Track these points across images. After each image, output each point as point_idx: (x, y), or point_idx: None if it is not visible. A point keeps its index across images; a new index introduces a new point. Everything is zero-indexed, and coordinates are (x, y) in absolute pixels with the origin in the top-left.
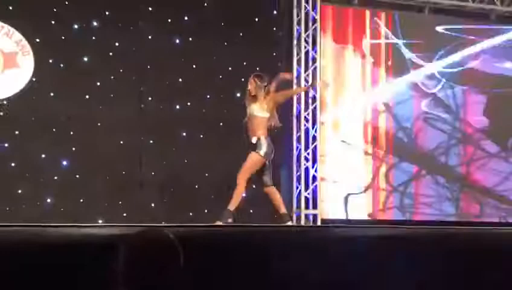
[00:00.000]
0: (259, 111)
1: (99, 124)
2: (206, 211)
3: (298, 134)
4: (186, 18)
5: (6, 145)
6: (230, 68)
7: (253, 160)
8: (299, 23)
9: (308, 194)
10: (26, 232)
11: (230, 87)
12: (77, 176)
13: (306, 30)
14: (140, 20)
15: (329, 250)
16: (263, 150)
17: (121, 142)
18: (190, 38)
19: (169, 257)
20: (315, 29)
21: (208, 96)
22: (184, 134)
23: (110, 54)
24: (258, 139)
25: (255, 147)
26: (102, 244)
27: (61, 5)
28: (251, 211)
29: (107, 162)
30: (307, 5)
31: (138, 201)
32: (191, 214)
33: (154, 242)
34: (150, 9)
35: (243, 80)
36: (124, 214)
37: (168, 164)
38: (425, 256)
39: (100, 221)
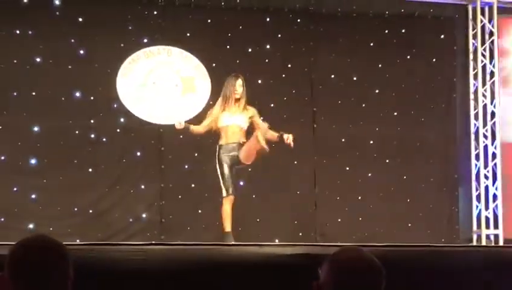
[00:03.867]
0: (244, 121)
1: (273, 144)
2: (382, 231)
3: (477, 151)
4: (357, 37)
5: (186, 166)
6: (403, 85)
7: None
8: (474, 37)
9: (489, 213)
10: (212, 251)
11: (404, 105)
12: (254, 196)
13: (482, 44)
14: (310, 41)
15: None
16: None
17: (295, 162)
18: (362, 57)
19: (373, 278)
20: (492, 42)
21: (381, 115)
22: (358, 153)
23: (283, 75)
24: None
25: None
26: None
27: (236, 29)
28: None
29: (282, 182)
30: (483, 18)
31: (313, 221)
32: (366, 234)
33: (357, 261)
34: (321, 29)
35: (417, 96)
36: (300, 234)
37: (342, 183)
38: None
39: (276, 240)
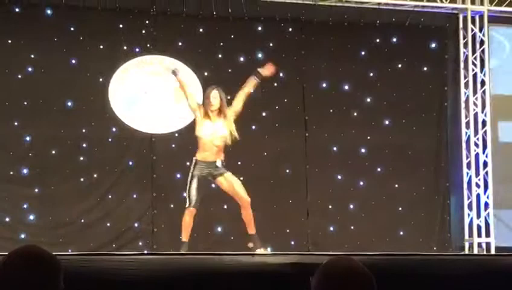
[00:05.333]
0: (225, 129)
1: (265, 153)
2: (373, 239)
3: (468, 160)
4: (348, 46)
5: (178, 176)
6: (394, 94)
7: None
8: (465, 46)
9: (480, 221)
10: (205, 261)
11: (395, 113)
12: None
13: (473, 52)
14: (302, 49)
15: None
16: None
17: (287, 170)
18: (353, 66)
19: (364, 287)
20: (483, 51)
21: (373, 123)
22: (350, 162)
23: (275, 84)
24: (222, 161)
25: (220, 171)
26: (283, 272)
27: (227, 38)
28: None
29: (274, 190)
30: (473, 27)
31: (305, 229)
32: (358, 243)
33: (348, 271)
34: (313, 38)
35: (408, 105)
36: (292, 242)
37: (334, 192)
38: None
39: (269, 249)
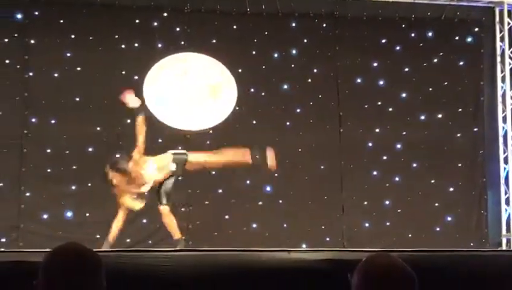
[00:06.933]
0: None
1: (299, 149)
2: (409, 236)
3: (505, 154)
4: (383, 41)
5: (213, 172)
6: (430, 88)
7: None
8: (502, 40)
9: None
10: (241, 257)
11: (431, 108)
12: (280, 201)
13: (510, 46)
14: (336, 45)
15: None
16: None
17: (322, 167)
18: (388, 61)
19: (406, 284)
20: None
21: (408, 119)
22: (384, 157)
23: (309, 80)
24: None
25: None
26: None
27: (261, 35)
28: None
29: (308, 187)
30: (510, 20)
31: (340, 226)
32: (394, 239)
33: (390, 268)
34: (347, 34)
35: (444, 100)
36: (327, 239)
37: (370, 188)
38: None
39: (304, 245)
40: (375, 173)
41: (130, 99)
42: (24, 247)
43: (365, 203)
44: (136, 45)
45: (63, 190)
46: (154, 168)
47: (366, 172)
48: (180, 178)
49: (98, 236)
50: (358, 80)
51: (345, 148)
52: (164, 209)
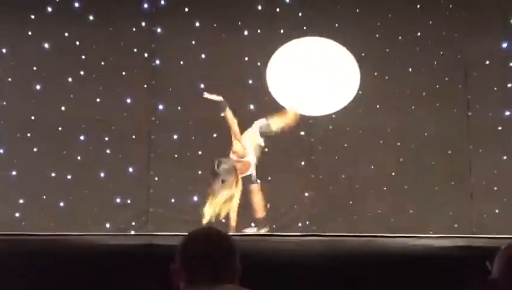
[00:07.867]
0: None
1: (425, 134)
2: None
3: None
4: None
5: (336, 157)
6: None
7: None
8: None
9: None
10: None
11: None
12: (405, 187)
13: None
14: (463, 27)
15: None
16: None
17: (449, 151)
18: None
19: None
20: None
21: None
22: None
23: (435, 62)
24: None
25: None
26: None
27: (385, 17)
28: None
29: (435, 172)
30: None
31: (469, 212)
32: None
33: None
34: (474, 15)
35: None
36: (455, 225)
37: (500, 173)
38: None
39: (431, 232)
40: (505, 157)
41: (212, 96)
42: (153, 230)
43: (495, 188)
44: (259, 31)
45: (190, 175)
46: (251, 151)
47: (496, 157)
48: (266, 149)
49: (223, 220)
50: (487, 62)
51: (473, 132)
52: (254, 186)
